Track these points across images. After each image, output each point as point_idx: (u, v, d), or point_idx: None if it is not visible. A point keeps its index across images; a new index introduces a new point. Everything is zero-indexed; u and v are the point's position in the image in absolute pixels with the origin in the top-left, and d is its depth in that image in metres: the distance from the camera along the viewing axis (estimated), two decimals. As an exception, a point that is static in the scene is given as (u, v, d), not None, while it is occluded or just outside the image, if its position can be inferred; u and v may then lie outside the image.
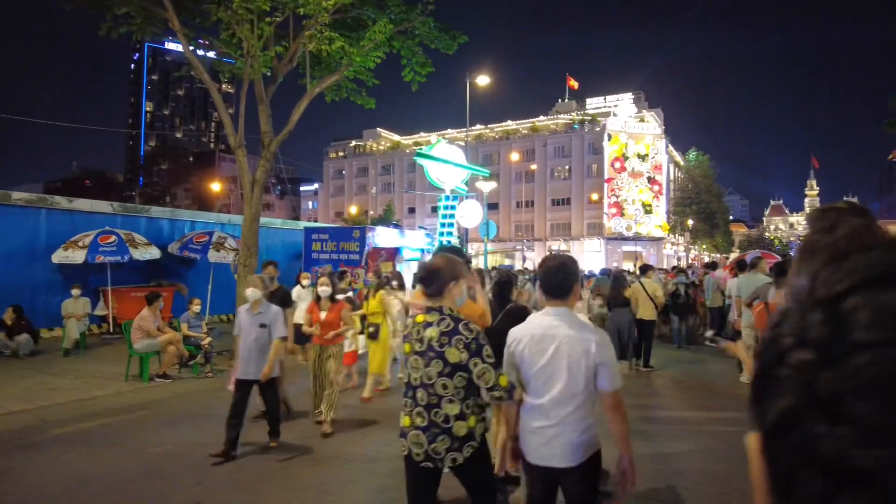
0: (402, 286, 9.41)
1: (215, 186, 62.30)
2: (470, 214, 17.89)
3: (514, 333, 2.95)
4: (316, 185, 77.86)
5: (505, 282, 5.19)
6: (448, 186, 17.71)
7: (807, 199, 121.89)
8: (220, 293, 14.31)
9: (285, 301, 7.15)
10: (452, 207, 17.62)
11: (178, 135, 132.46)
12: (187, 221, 17.08)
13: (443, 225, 17.52)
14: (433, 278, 3.08)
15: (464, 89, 25.47)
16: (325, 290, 6.67)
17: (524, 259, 46.31)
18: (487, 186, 23.46)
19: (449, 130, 62.77)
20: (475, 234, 21.24)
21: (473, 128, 62.77)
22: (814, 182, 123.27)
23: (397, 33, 13.94)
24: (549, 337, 2.80)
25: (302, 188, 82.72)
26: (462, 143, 60.14)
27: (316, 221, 55.95)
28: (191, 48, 12.72)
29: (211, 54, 14.45)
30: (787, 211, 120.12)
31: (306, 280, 10.77)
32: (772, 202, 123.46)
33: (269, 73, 13.24)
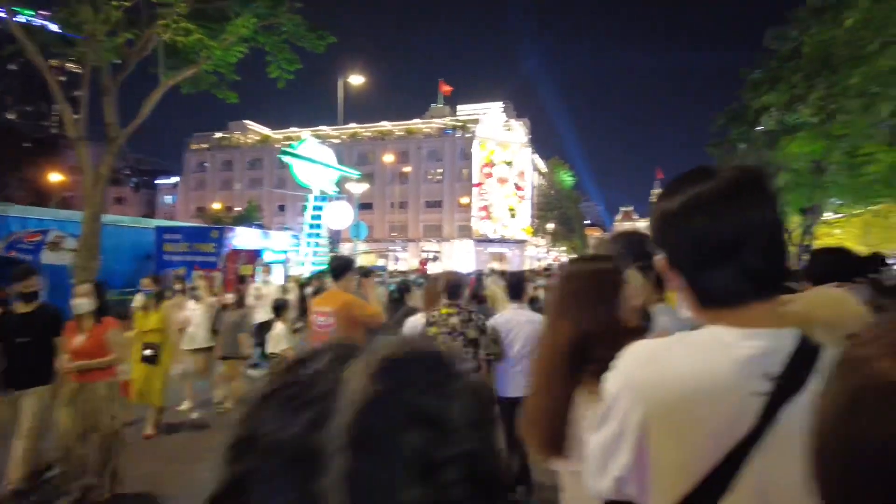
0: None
1: (57, 177, 55.83)
2: (338, 216, 17.80)
3: (495, 321, 4.58)
4: (176, 179, 72.43)
5: (403, 289, 7.44)
6: (316, 187, 17.48)
7: (652, 206, 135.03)
8: (58, 300, 12.88)
9: (53, 326, 4.91)
10: (320, 208, 17.43)
11: (11, 116, 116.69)
12: (16, 218, 15.24)
13: (311, 226, 17.26)
14: (457, 289, 4.56)
15: (340, 86, 25.23)
16: (81, 303, 4.61)
17: (396, 260, 46.70)
18: (359, 188, 23.44)
19: (323, 127, 61.55)
20: (348, 235, 21.12)
21: (348, 126, 62.05)
22: (657, 192, 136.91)
23: (263, 28, 13.54)
24: (513, 322, 4.52)
25: (158, 181, 76.28)
26: (336, 141, 59.02)
27: (173, 219, 52.14)
28: (24, 20, 11.44)
29: (55, 28, 12.99)
30: (635, 216, 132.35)
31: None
32: (622, 208, 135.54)
33: (119, 61, 12.27)
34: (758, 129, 17.73)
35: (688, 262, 1.00)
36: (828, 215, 21.18)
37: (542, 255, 63.44)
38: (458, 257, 52.75)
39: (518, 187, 57.73)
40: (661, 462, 0.95)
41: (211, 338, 7.22)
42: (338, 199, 18.64)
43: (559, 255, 64.09)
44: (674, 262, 1.03)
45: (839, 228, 21.78)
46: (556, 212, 58.98)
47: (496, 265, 40.23)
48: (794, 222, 19.19)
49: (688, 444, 0.92)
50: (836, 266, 2.63)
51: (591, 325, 1.56)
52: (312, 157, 17.31)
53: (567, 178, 63.72)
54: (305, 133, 55.80)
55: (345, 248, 30.84)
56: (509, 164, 57.20)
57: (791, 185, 16.37)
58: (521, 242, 57.04)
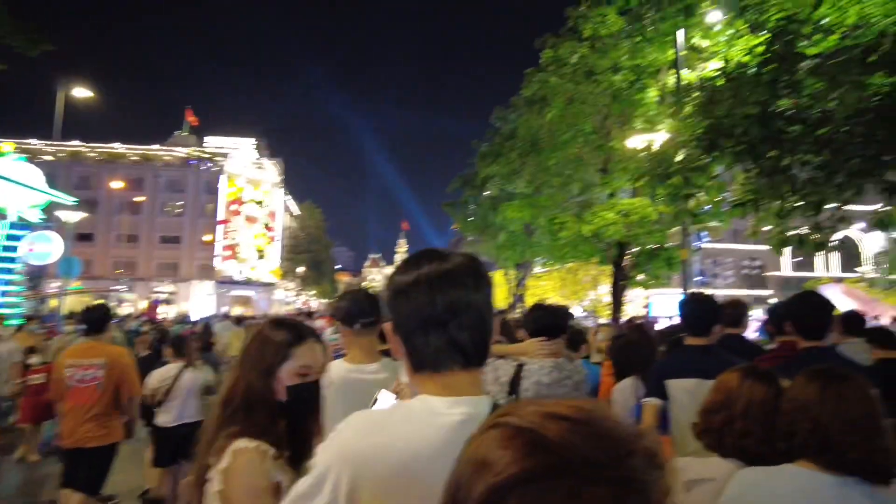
0: None
1: None
2: (42, 249, 15.02)
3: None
4: None
5: (160, 340, 7.28)
6: (13, 211, 14.55)
7: (397, 255, 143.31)
8: None
9: None
10: (17, 238, 14.51)
11: None
12: None
13: (2, 260, 14.21)
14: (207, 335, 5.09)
15: (60, 98, 21.62)
16: None
17: (120, 301, 40.98)
18: (74, 216, 20.18)
19: (34, 140, 51.69)
20: (56, 271, 17.83)
21: (69, 143, 53.42)
22: (404, 241, 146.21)
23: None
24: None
25: None
26: (51, 158, 50.34)
27: None
28: None
29: None
30: (382, 264, 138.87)
31: None
32: (370, 256, 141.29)
33: None
34: (485, 193, 20.38)
35: (407, 329, 1.10)
36: (537, 270, 25.05)
37: (292, 298, 62.00)
38: (196, 300, 48.43)
39: (268, 228, 55.98)
40: None
41: None
42: (44, 227, 15.70)
43: (309, 300, 63.36)
44: (397, 327, 1.13)
45: (544, 281, 25.88)
46: (306, 255, 58.53)
47: (239, 310, 38.16)
48: (510, 275, 22.28)
49: None
50: (549, 321, 3.08)
51: (242, 386, 1.62)
52: (11, 176, 14.40)
53: (319, 222, 64.11)
54: (6, 145, 46.17)
55: (52, 288, 25.87)
56: (260, 203, 55.31)
57: (509, 244, 19.06)
58: (269, 285, 54.97)
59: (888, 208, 7.18)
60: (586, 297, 23.82)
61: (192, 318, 23.60)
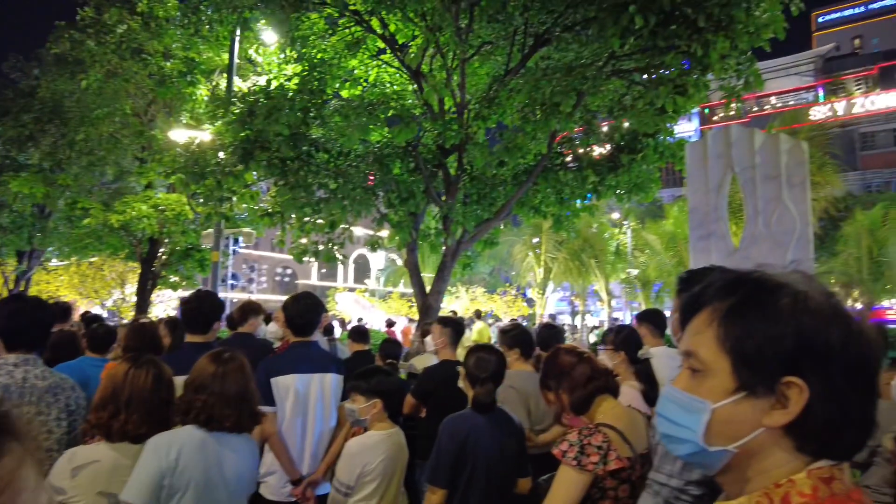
0: None
1: None
2: None
3: None
4: None
5: None
6: None
7: None
8: None
9: None
10: None
11: None
12: None
13: None
14: None
15: None
16: None
17: None
18: None
19: None
20: None
21: None
22: None
23: None
24: None
25: None
26: None
27: None
28: None
29: None
30: None
31: None
32: None
33: None
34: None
35: None
36: (53, 262, 21.10)
37: None
38: None
39: None
40: None
41: None
42: None
43: None
44: None
45: (61, 275, 21.93)
46: None
47: None
48: (10, 266, 18.02)
49: None
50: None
51: None
52: None
53: None
54: None
55: None
56: None
57: (11, 226, 15.51)
58: None
59: (382, 234, 9.02)
60: (110, 296, 21.27)
61: None
